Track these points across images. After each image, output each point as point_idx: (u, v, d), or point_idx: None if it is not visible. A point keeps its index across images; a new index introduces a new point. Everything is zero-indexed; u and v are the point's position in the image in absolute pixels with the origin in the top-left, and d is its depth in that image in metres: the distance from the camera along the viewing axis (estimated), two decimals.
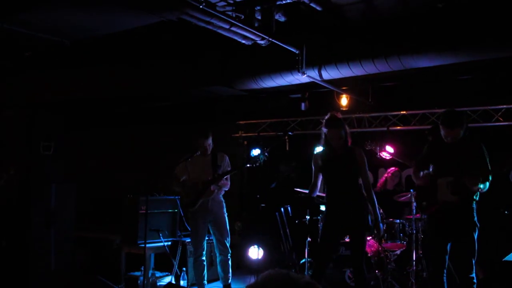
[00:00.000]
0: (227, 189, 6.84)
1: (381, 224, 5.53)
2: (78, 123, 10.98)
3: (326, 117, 5.59)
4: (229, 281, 6.79)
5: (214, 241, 6.82)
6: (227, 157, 6.90)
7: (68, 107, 10.52)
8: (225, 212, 6.81)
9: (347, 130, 5.58)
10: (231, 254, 6.81)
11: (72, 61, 8.05)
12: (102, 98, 10.12)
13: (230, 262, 6.79)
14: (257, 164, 6.49)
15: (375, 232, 5.50)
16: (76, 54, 7.64)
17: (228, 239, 6.79)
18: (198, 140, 6.71)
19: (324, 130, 5.55)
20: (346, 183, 5.54)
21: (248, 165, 6.64)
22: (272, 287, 1.63)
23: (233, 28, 5.65)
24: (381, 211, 7.24)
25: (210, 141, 6.75)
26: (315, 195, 5.91)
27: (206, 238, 6.96)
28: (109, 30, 6.17)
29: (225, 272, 6.76)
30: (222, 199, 6.83)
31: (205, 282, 6.87)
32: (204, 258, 6.80)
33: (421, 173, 5.36)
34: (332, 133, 5.48)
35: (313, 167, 5.73)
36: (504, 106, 7.89)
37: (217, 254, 6.81)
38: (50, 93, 9.50)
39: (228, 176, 6.75)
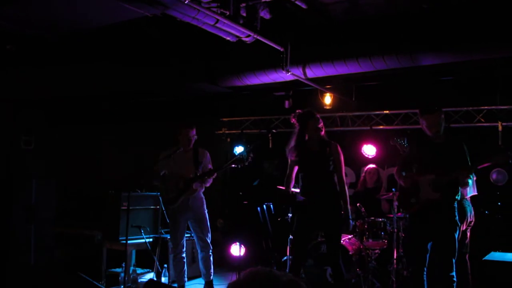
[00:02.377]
0: (207, 186, 6.81)
1: (351, 221, 5.61)
2: (61, 119, 10.89)
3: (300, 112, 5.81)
4: (211, 277, 6.77)
5: (195, 238, 6.79)
6: (208, 154, 6.85)
7: (51, 103, 10.42)
8: (206, 208, 6.78)
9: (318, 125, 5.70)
10: (212, 250, 6.79)
11: (57, 57, 7.96)
12: (86, 94, 10.04)
13: (212, 258, 6.76)
14: (242, 165, 6.47)
15: (344, 228, 5.59)
16: (61, 50, 7.55)
17: (209, 235, 6.76)
18: (182, 130, 6.67)
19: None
20: (319, 179, 5.64)
21: (234, 166, 6.58)
22: (255, 284, 1.62)
23: (218, 25, 5.63)
24: (363, 209, 7.30)
25: (194, 132, 6.73)
26: (290, 189, 5.95)
27: (187, 235, 6.94)
28: (92, 24, 6.11)
29: (207, 268, 6.73)
30: (203, 195, 6.79)
31: (186, 279, 6.85)
32: (184, 255, 6.76)
33: (404, 173, 5.42)
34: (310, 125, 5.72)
35: (289, 160, 5.90)
36: (486, 107, 7.96)
37: (199, 251, 6.78)
38: (34, 89, 9.40)
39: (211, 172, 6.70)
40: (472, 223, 6.25)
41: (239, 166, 6.48)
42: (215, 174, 6.66)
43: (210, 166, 6.79)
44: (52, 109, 10.68)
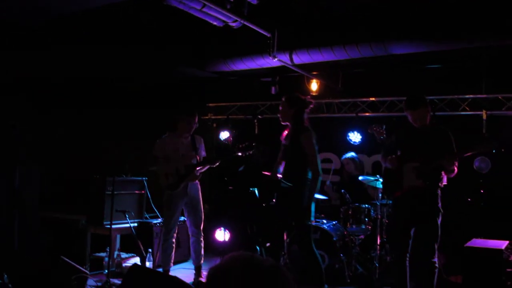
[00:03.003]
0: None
1: (312, 212, 5.60)
2: (44, 103, 10.78)
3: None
4: (201, 262, 6.81)
5: (188, 223, 6.81)
6: (202, 140, 6.89)
7: (34, 88, 10.31)
8: (200, 195, 6.81)
9: (292, 112, 5.67)
10: (203, 236, 6.82)
11: (38, 41, 7.85)
12: (69, 79, 9.95)
13: (202, 244, 6.80)
14: (247, 154, 6.45)
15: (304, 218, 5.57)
16: (42, 33, 7.46)
17: (203, 221, 6.79)
18: (186, 118, 6.66)
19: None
20: (288, 167, 5.65)
21: (240, 154, 6.52)
22: (236, 269, 1.62)
23: (205, 9, 5.59)
24: (347, 195, 7.35)
25: (196, 120, 6.75)
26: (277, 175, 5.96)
27: None
28: (75, 8, 6.05)
29: (197, 254, 6.76)
30: (198, 181, 6.80)
31: (172, 263, 6.87)
32: (174, 240, 6.78)
33: (389, 157, 5.45)
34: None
35: None
36: (471, 95, 8.02)
37: (190, 235, 6.81)
38: (15, 74, 9.28)
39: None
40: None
41: (245, 155, 6.45)
42: (218, 162, 6.65)
43: (204, 154, 6.82)
44: (35, 94, 10.57)
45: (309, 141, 5.59)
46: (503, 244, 5.73)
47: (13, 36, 7.26)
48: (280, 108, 5.82)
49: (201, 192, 6.85)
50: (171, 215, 6.69)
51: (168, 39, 8.04)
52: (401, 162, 5.28)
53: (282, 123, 5.88)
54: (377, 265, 6.87)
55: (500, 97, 7.85)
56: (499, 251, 5.51)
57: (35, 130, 9.86)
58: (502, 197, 7.51)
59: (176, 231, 6.87)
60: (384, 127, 5.74)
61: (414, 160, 5.15)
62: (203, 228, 6.85)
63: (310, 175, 5.61)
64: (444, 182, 6.10)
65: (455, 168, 5.19)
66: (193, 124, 6.72)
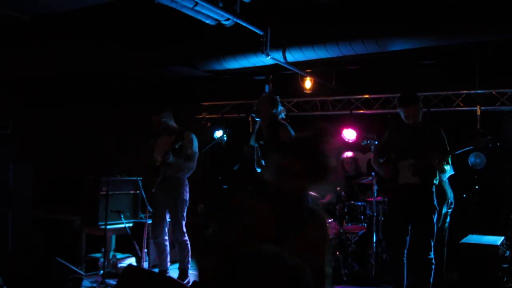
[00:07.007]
0: (192, 171, 6.62)
1: None
2: (38, 102, 10.74)
3: None
4: (185, 265, 6.57)
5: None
6: (190, 136, 6.56)
7: (27, 85, 10.26)
8: (184, 194, 6.54)
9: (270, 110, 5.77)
10: (185, 238, 6.59)
11: (31, 37, 7.80)
12: (63, 76, 9.90)
13: (186, 246, 6.54)
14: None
15: None
16: (36, 30, 7.41)
17: (181, 222, 6.53)
18: (152, 118, 6.55)
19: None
20: (268, 162, 5.65)
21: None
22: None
23: (197, 8, 5.56)
24: (343, 193, 7.34)
25: (163, 118, 6.50)
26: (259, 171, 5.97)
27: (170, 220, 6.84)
28: (70, 6, 6.01)
29: (180, 257, 6.56)
30: (185, 181, 6.61)
31: (168, 264, 6.78)
32: (162, 240, 6.62)
33: (381, 160, 5.45)
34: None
35: None
36: (465, 91, 8.02)
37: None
38: (8, 70, 9.23)
39: (191, 156, 6.56)
40: (453, 204, 6.25)
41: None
42: (169, 159, 6.30)
43: (189, 151, 6.53)
44: (28, 92, 10.53)
45: (287, 133, 5.67)
46: (498, 240, 5.73)
47: (3, 31, 7.20)
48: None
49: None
50: (153, 214, 6.61)
51: (161, 38, 8.01)
52: (396, 160, 5.27)
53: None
54: (373, 262, 6.86)
55: (494, 93, 7.86)
56: (495, 247, 5.51)
57: (28, 129, 9.82)
58: (496, 192, 7.52)
59: (166, 230, 6.71)
60: (375, 136, 5.77)
61: (408, 157, 5.15)
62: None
63: None
64: (451, 172, 6.10)
65: (446, 167, 5.19)
66: (155, 124, 6.53)
